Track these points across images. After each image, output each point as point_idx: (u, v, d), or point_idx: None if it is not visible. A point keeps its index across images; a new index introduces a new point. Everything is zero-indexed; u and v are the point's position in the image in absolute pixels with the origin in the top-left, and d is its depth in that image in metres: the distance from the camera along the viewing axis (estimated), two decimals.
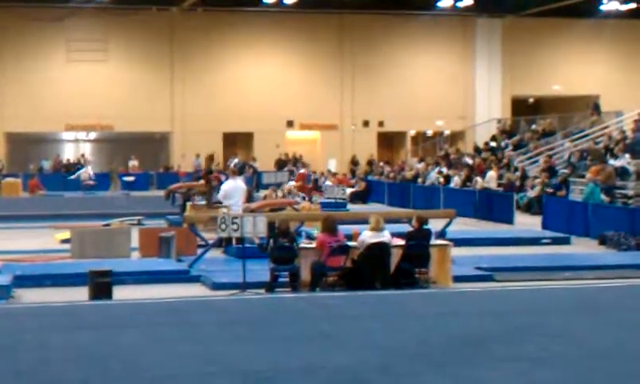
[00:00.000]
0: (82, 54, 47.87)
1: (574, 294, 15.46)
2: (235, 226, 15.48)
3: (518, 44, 51.76)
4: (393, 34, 50.77)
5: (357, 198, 36.81)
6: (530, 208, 31.03)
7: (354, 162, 50.27)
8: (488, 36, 52.28)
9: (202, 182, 26.73)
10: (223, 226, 15.59)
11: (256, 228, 15.55)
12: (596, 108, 42.93)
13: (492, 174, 34.86)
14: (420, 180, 39.66)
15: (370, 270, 15.46)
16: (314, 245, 15.99)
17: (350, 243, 15.88)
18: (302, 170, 27.07)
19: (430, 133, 53.77)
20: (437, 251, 16.47)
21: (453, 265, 16.82)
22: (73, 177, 44.01)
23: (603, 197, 26.52)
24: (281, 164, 47.73)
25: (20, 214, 29.15)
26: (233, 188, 21.02)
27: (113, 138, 51.15)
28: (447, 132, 52.60)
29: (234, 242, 19.31)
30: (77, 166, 46.92)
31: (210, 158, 24.04)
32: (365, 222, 16.72)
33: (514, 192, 31.44)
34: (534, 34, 51.48)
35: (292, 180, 32.13)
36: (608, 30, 51.45)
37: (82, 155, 48.67)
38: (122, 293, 15.03)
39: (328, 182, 36.65)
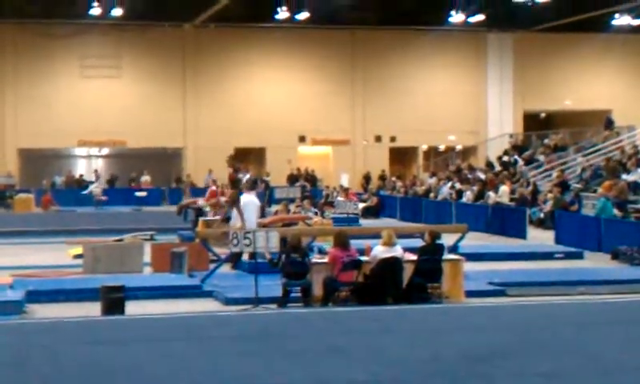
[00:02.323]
0: (95, 70, 48.07)
1: (587, 308, 15.42)
2: (247, 241, 15.49)
3: (529, 59, 51.77)
4: (404, 49, 50.82)
5: (369, 212, 36.81)
6: (542, 223, 30.97)
7: (367, 178, 50.27)
8: (499, 51, 52.30)
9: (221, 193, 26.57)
10: (235, 242, 15.60)
11: (269, 243, 15.57)
12: (609, 123, 42.87)
13: (505, 188, 34.79)
14: (432, 195, 39.65)
15: (382, 284, 15.45)
16: (326, 260, 16.00)
17: (362, 258, 15.89)
18: (213, 187, 26.62)
19: (441, 148, 53.75)
20: (449, 266, 16.46)
21: (465, 280, 16.81)
22: (86, 191, 43.97)
23: (616, 211, 26.46)
24: (293, 179, 47.74)
25: (33, 230, 29.20)
26: (247, 203, 20.97)
27: (125, 154, 51.27)
28: (459, 147, 52.56)
29: (244, 256, 19.33)
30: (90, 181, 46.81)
31: (233, 159, 23.61)
32: (377, 236, 16.71)
33: (526, 207, 31.38)
34: (545, 48, 51.47)
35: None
36: (619, 45, 51.37)
37: (95, 171, 48.75)
38: (135, 308, 15.03)
39: (340, 197, 36.64)
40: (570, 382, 9.84)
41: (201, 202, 27.94)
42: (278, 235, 15.82)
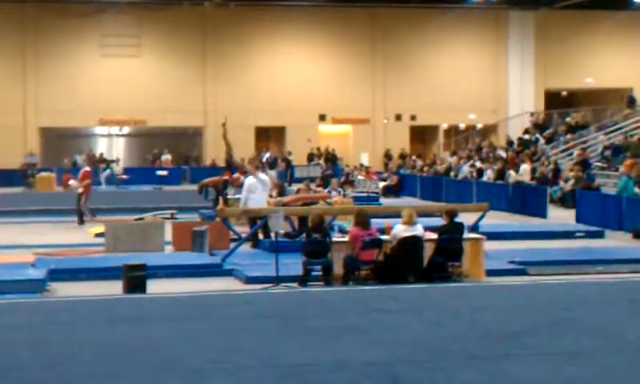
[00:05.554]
0: (115, 49, 48.14)
1: (608, 287, 15.37)
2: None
3: (550, 37, 51.47)
4: (425, 27, 50.63)
5: (389, 191, 36.82)
6: (563, 201, 30.87)
7: (388, 156, 50.20)
8: (521, 29, 51.99)
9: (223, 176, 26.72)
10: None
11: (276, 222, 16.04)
12: (631, 101, 42.61)
13: (525, 167, 34.69)
14: (452, 173, 39.57)
15: (402, 263, 15.46)
16: (346, 239, 16.02)
17: (383, 237, 15.88)
18: (87, 168, 26.54)
19: (462, 126, 53.60)
20: (470, 245, 16.44)
21: (486, 258, 16.78)
22: (105, 174, 43.88)
23: (637, 190, 26.35)
24: (309, 158, 47.76)
25: (54, 209, 29.33)
26: (254, 183, 20.88)
27: (146, 133, 51.41)
28: (480, 125, 52.40)
29: (260, 235, 19.50)
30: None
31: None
32: (397, 215, 16.70)
33: (547, 185, 31.28)
34: (567, 26, 51.16)
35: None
36: None
37: (101, 155, 48.83)
38: (156, 286, 15.11)
39: (360, 176, 36.63)
40: (591, 362, 9.83)
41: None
42: (281, 214, 16.32)
